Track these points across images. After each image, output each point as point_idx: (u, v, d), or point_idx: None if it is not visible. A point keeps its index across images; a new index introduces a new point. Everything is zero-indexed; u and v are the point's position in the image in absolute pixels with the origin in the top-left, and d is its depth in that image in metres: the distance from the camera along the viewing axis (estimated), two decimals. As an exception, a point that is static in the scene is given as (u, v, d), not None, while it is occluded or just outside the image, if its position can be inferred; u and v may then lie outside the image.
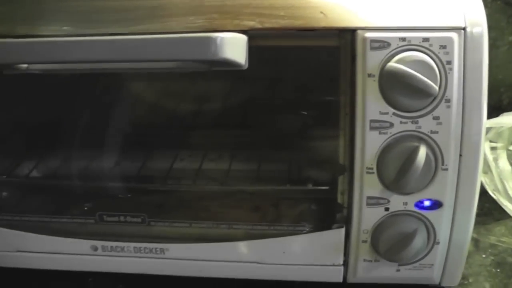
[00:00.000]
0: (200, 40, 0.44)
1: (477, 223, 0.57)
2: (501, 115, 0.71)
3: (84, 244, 0.58)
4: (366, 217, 0.51)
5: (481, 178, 0.54)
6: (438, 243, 0.52)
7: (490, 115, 0.53)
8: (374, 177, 0.50)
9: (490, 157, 0.69)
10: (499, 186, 0.69)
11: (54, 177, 0.63)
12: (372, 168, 0.50)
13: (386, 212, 0.51)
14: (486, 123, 0.50)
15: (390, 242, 0.51)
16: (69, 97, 0.63)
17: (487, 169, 0.70)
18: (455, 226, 0.51)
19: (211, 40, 0.44)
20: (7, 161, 0.63)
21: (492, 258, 0.65)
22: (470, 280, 0.61)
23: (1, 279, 0.66)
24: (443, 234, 0.52)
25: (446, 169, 0.49)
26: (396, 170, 0.49)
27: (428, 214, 0.51)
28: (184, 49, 0.44)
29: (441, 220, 0.51)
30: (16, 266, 0.62)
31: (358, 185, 0.50)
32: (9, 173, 0.64)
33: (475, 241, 0.67)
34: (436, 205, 0.51)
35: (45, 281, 0.65)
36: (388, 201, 0.51)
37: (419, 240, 0.51)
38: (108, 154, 0.63)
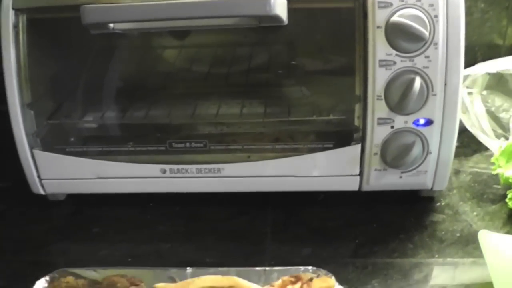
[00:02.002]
0: (261, 0, 0.65)
1: (458, 154, 0.79)
2: (475, 65, 0.93)
3: (155, 168, 0.78)
4: (376, 134, 0.73)
5: (461, 116, 0.75)
6: (430, 153, 0.73)
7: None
8: (382, 102, 0.71)
9: (467, 100, 0.91)
10: (476, 123, 0.91)
11: (130, 117, 0.83)
12: (381, 96, 0.71)
13: (392, 129, 0.72)
14: (464, 71, 0.71)
15: (395, 152, 0.73)
16: (136, 55, 0.83)
17: (465, 110, 0.91)
18: (443, 139, 0.73)
19: (268, 0, 0.65)
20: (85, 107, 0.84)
21: (470, 176, 0.87)
22: (454, 192, 0.84)
23: (80, 205, 0.86)
24: (434, 145, 0.73)
25: (435, 95, 0.70)
26: (399, 96, 0.70)
27: (423, 129, 0.72)
28: (248, 7, 0.65)
29: (432, 134, 0.72)
30: (96, 191, 0.82)
31: (370, 110, 0.72)
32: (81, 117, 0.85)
33: (457, 167, 0.89)
34: (428, 122, 0.72)
35: (113, 207, 0.85)
36: (393, 121, 0.72)
37: (416, 150, 0.72)
38: (169, 100, 0.83)
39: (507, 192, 0.78)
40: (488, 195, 0.83)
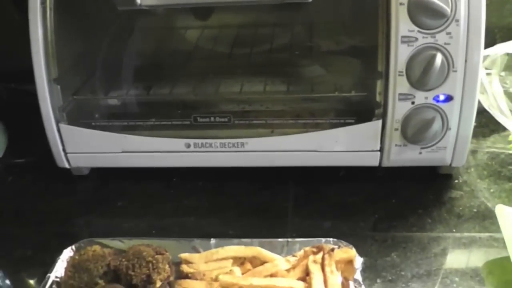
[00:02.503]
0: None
1: (476, 134, 0.81)
2: (495, 45, 0.95)
3: (180, 142, 0.80)
4: (397, 110, 0.75)
5: (479, 97, 0.77)
6: (450, 129, 0.75)
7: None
8: (404, 78, 0.73)
9: (485, 80, 0.93)
10: (493, 103, 0.93)
11: (154, 93, 0.86)
12: (402, 72, 0.73)
13: (412, 105, 0.74)
14: (483, 52, 0.73)
15: (415, 127, 0.75)
16: (161, 34, 0.86)
17: (484, 90, 0.93)
18: (462, 115, 0.75)
19: (294, -25, 0.67)
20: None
21: (488, 155, 0.89)
22: (472, 170, 0.86)
23: (104, 179, 0.88)
24: (453, 121, 0.75)
25: (456, 71, 0.72)
26: (420, 72, 0.72)
27: (443, 105, 0.74)
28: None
29: (452, 110, 0.74)
30: (120, 165, 0.84)
31: (392, 85, 0.74)
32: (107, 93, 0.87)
33: (475, 146, 0.91)
34: (448, 98, 0.74)
35: (137, 181, 0.87)
36: (414, 97, 0.74)
37: (436, 125, 0.74)
38: (193, 78, 0.86)
39: (524, 170, 0.80)
40: (505, 173, 0.84)
